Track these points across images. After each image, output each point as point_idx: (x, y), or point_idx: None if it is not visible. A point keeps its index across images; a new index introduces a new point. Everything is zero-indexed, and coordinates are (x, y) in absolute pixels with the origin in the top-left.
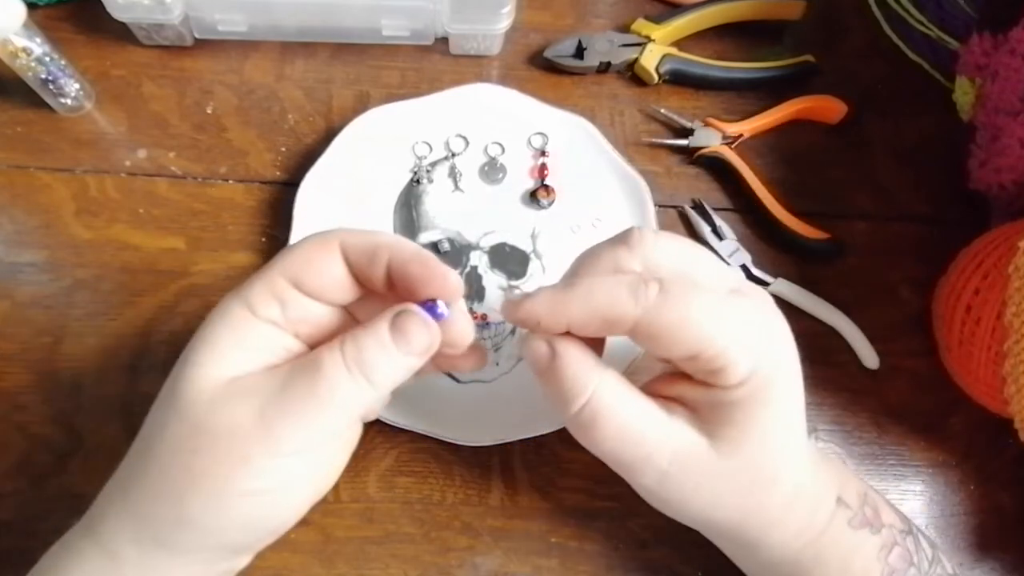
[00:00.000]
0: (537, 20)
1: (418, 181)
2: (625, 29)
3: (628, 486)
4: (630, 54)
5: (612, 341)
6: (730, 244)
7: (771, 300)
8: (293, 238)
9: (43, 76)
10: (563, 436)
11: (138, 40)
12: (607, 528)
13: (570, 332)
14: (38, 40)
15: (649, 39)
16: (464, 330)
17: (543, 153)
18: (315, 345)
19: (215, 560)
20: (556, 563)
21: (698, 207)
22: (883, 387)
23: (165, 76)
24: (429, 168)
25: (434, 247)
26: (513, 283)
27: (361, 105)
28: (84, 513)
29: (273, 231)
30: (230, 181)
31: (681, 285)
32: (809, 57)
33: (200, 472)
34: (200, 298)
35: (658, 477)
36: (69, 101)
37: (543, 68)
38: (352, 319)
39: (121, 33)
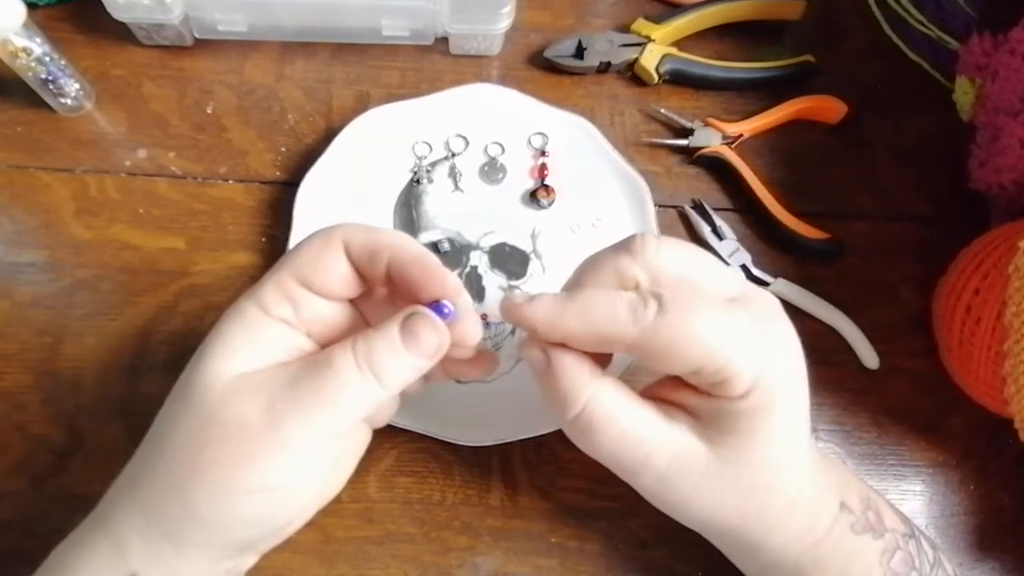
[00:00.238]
0: (537, 20)
1: (418, 181)
2: (625, 29)
3: (628, 486)
4: (630, 54)
5: None
6: (730, 244)
7: (776, 304)
8: (293, 238)
9: (43, 76)
10: (563, 436)
11: (138, 40)
12: (607, 528)
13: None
14: (38, 40)
15: (649, 39)
16: (471, 328)
17: (543, 153)
18: (326, 344)
19: (220, 558)
20: (556, 563)
21: (698, 207)
22: (883, 387)
23: (165, 76)
24: (429, 168)
25: (434, 247)
26: (513, 283)
27: (361, 105)
28: (84, 513)
29: (273, 231)
30: (230, 181)
31: (681, 300)
32: (809, 57)
33: (208, 466)
34: (200, 298)
35: (656, 479)
36: (69, 101)
37: (543, 68)
38: (363, 319)
39: (121, 33)
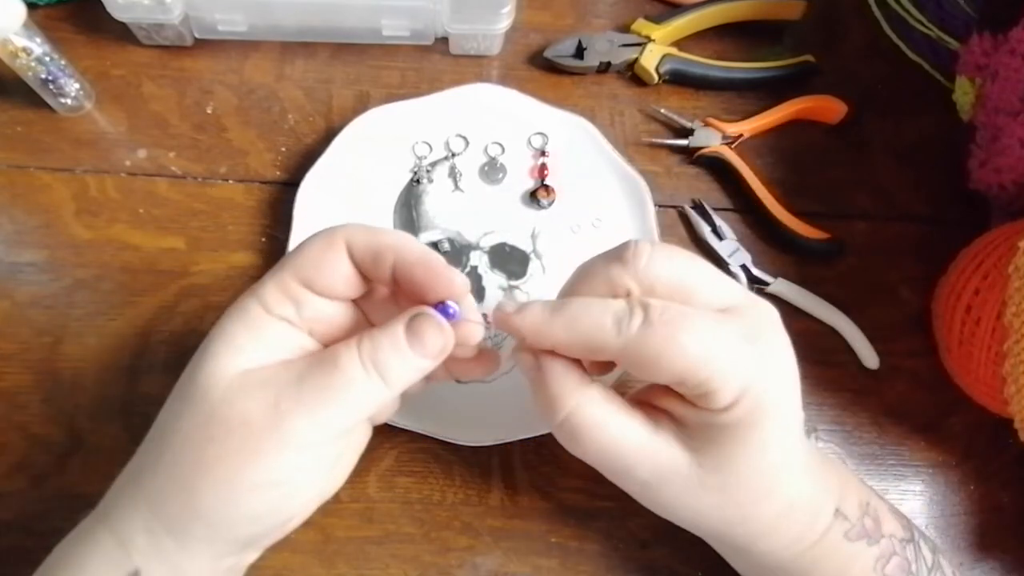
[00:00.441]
0: (537, 20)
1: (418, 181)
2: (625, 29)
3: None
4: (630, 54)
5: None
6: (730, 244)
7: (772, 314)
8: (293, 238)
9: (43, 76)
10: None
11: (138, 40)
12: (607, 528)
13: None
14: (38, 40)
15: (649, 39)
16: (473, 329)
17: (543, 153)
18: (330, 343)
19: (223, 554)
20: (556, 563)
21: (698, 207)
22: (883, 387)
23: (165, 76)
24: (429, 168)
25: (434, 247)
26: (513, 283)
27: (361, 105)
28: (84, 513)
29: (273, 231)
30: (230, 181)
31: (668, 312)
32: (809, 57)
33: (212, 462)
34: (200, 298)
35: (639, 484)
36: (69, 101)
37: (543, 68)
38: (365, 318)
39: (121, 33)
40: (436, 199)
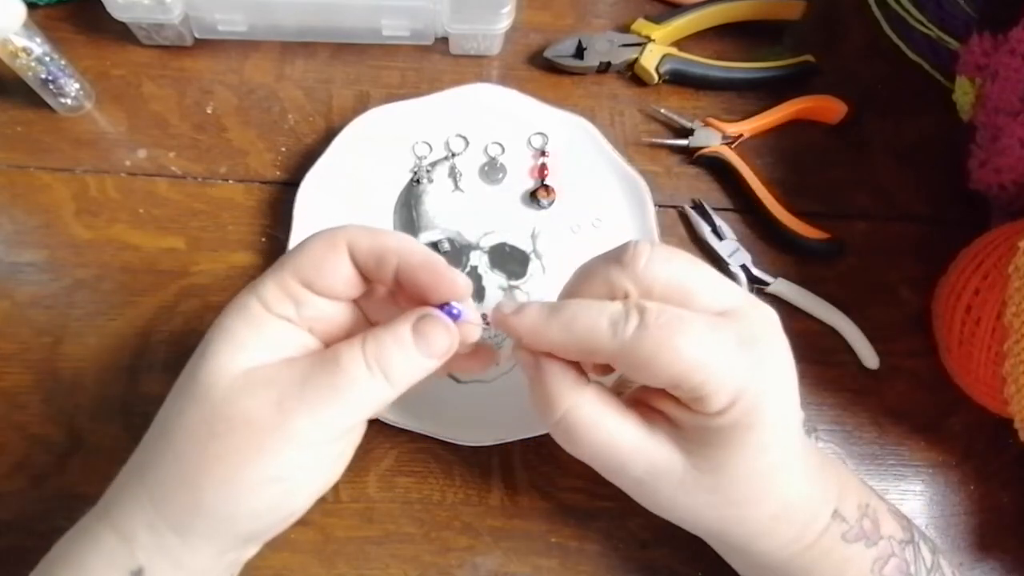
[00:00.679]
0: (537, 20)
1: (418, 181)
2: (625, 29)
3: None
4: (630, 54)
5: None
6: (730, 244)
7: (772, 318)
8: (293, 238)
9: (43, 76)
10: None
11: (138, 40)
12: (607, 528)
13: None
14: (38, 40)
15: (649, 39)
16: (473, 329)
17: (543, 153)
18: (329, 340)
19: (225, 549)
20: (556, 563)
21: (698, 207)
22: (883, 387)
23: (165, 76)
24: (429, 168)
25: (434, 247)
26: (513, 283)
27: (361, 105)
28: (84, 513)
29: (273, 231)
30: (230, 181)
31: (664, 315)
32: (809, 57)
33: (216, 459)
34: (200, 298)
35: (634, 483)
36: (69, 101)
37: (543, 68)
38: (364, 316)
39: (121, 33)
40: (436, 199)
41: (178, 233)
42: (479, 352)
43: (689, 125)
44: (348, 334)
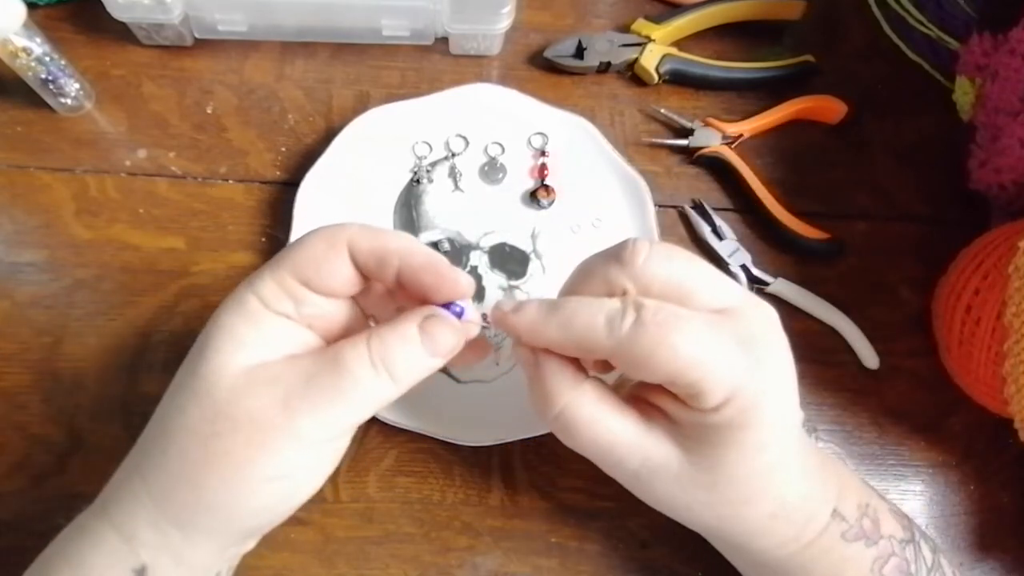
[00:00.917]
0: (537, 20)
1: (418, 181)
2: (625, 29)
3: None
4: (630, 54)
5: None
6: (730, 244)
7: (771, 317)
8: (293, 238)
9: (43, 76)
10: None
11: (138, 40)
12: (607, 528)
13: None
14: (38, 40)
15: (649, 39)
16: (474, 328)
17: (543, 153)
18: (328, 336)
19: (228, 544)
20: (556, 563)
21: (698, 207)
22: (883, 387)
23: (165, 76)
24: (429, 168)
25: (434, 247)
26: (513, 283)
27: (361, 105)
28: (83, 511)
29: (273, 231)
30: (230, 181)
31: (661, 312)
32: (809, 57)
33: (220, 457)
34: (200, 298)
35: (630, 478)
36: (69, 101)
37: (543, 68)
38: (361, 311)
39: (121, 33)
40: (436, 199)
41: (178, 233)
42: (474, 344)
43: (689, 125)
44: (346, 329)
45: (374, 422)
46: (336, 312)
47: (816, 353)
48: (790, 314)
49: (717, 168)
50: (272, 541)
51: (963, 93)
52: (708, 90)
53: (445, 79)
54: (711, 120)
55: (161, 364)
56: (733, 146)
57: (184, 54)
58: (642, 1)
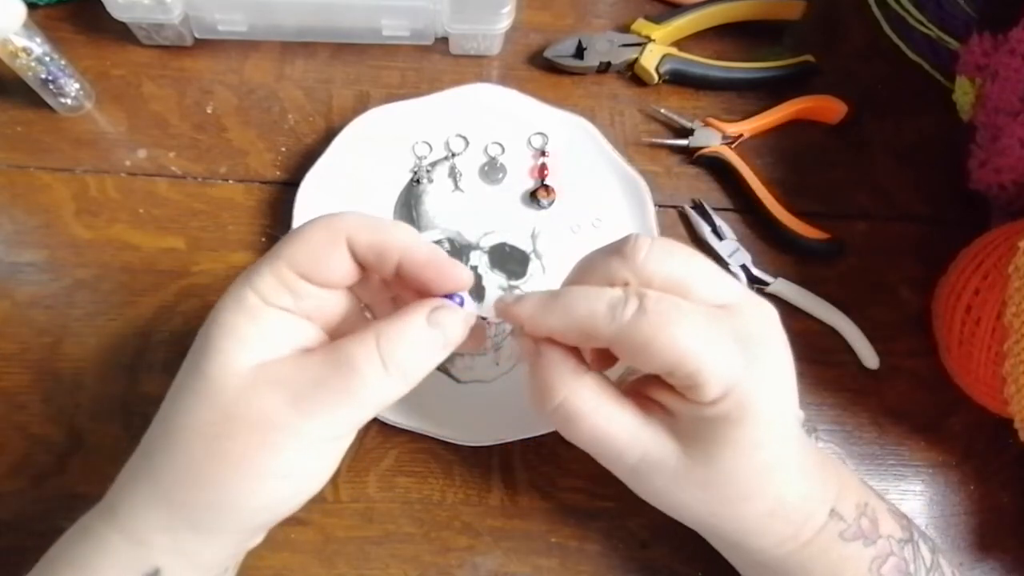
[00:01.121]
0: (537, 20)
1: (418, 181)
2: (625, 29)
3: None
4: (630, 54)
5: None
6: (730, 244)
7: (771, 314)
8: None
9: (43, 76)
10: (563, 436)
11: (138, 40)
12: (607, 528)
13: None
14: (38, 40)
15: (649, 39)
16: (474, 317)
17: (543, 153)
18: (326, 327)
19: (239, 541)
20: (556, 563)
21: (698, 207)
22: (883, 387)
23: (165, 76)
24: (429, 168)
25: None
26: (513, 283)
27: (361, 105)
28: (84, 512)
29: (273, 231)
30: (230, 181)
31: (663, 303)
32: (809, 57)
33: (235, 457)
34: (200, 298)
35: (628, 472)
36: (69, 101)
37: (543, 68)
38: (358, 301)
39: (121, 33)
40: (436, 199)
41: (178, 233)
42: (473, 333)
43: (689, 125)
44: (344, 319)
45: (374, 422)
46: (334, 303)
47: (816, 353)
48: (790, 314)
49: (717, 168)
50: (272, 541)
51: (963, 93)
52: (708, 90)
53: (445, 79)
54: (711, 120)
55: (161, 364)
56: (733, 146)
57: (184, 54)
58: (642, 1)
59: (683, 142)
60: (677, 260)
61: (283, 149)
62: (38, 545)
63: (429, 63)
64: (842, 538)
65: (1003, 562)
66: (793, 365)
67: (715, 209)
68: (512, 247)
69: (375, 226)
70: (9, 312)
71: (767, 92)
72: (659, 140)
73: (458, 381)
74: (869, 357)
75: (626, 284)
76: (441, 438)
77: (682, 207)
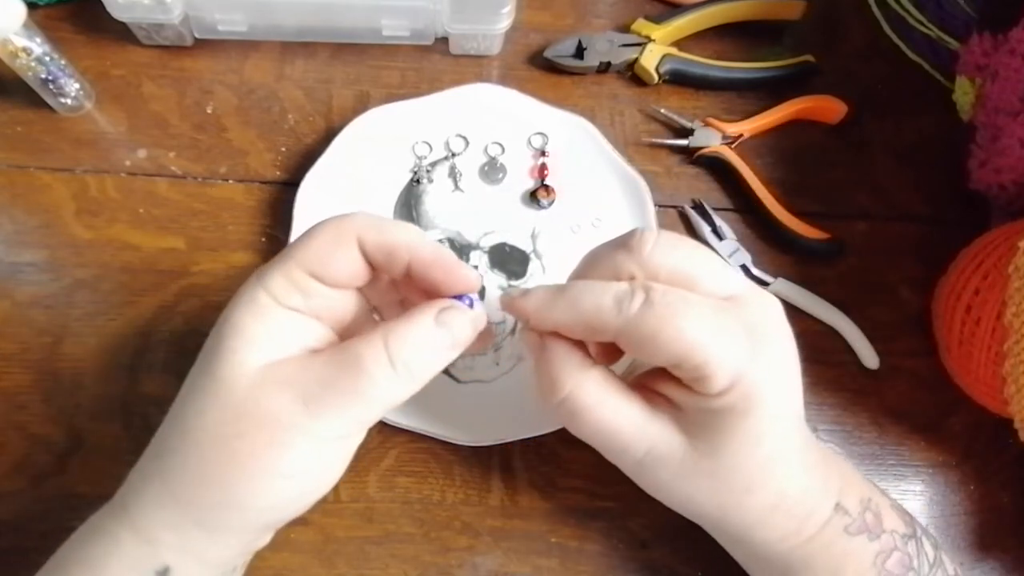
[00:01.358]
0: (537, 20)
1: (418, 181)
2: (625, 29)
3: (628, 486)
4: (630, 54)
5: None
6: (730, 244)
7: (775, 307)
8: (293, 239)
9: (43, 76)
10: (563, 436)
11: (138, 40)
12: (607, 528)
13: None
14: (38, 40)
15: (649, 39)
16: (483, 318)
17: (543, 153)
18: (336, 326)
19: (246, 540)
20: (556, 563)
21: (698, 207)
22: (883, 387)
23: (165, 76)
24: (429, 168)
25: None
26: (513, 283)
27: (361, 105)
28: (84, 512)
29: (273, 231)
30: (230, 181)
31: (669, 295)
32: (809, 57)
33: (245, 456)
34: (200, 298)
35: (634, 465)
36: (69, 101)
37: (543, 68)
38: (367, 301)
39: (121, 33)
40: (436, 199)
41: (178, 233)
42: (481, 334)
43: (689, 125)
44: (354, 320)
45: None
46: (343, 303)
47: (816, 353)
48: (790, 314)
49: (717, 168)
50: (272, 541)
51: (963, 93)
52: (708, 90)
53: (445, 79)
54: (711, 120)
55: (161, 364)
56: (733, 146)
57: (184, 54)
58: (642, 1)
59: (683, 142)
60: (682, 253)
61: (283, 149)
62: (38, 545)
63: (429, 63)
64: (847, 532)
65: (1003, 562)
66: (798, 357)
67: (715, 209)
68: (512, 247)
69: (383, 226)
70: (9, 312)
71: (767, 92)
72: (659, 140)
73: (458, 381)
74: (869, 357)
75: (632, 278)
76: (441, 438)
77: (682, 207)
